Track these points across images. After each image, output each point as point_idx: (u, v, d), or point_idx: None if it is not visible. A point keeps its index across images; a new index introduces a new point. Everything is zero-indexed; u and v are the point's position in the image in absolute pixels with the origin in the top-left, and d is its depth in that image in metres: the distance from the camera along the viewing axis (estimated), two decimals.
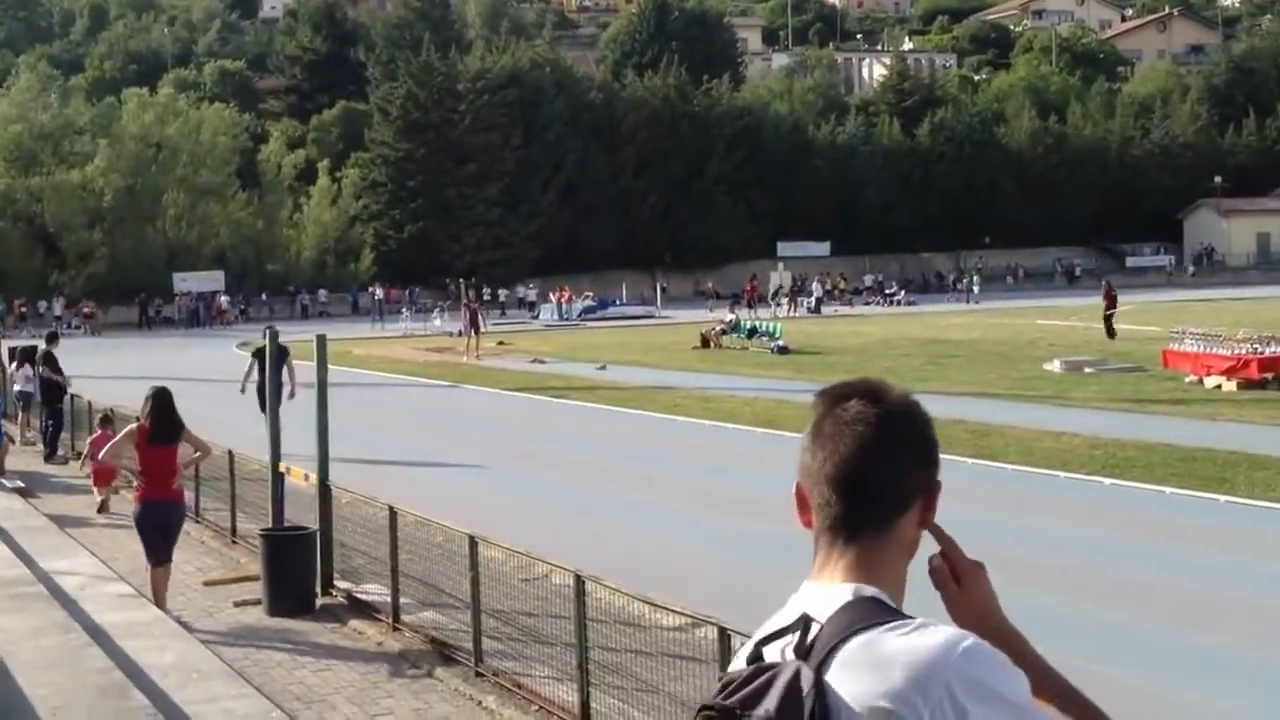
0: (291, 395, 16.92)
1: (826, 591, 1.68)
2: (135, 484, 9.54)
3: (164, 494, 9.17)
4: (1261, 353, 21.84)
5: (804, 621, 1.66)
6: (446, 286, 59.30)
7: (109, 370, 27.31)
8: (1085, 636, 8.23)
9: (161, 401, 9.39)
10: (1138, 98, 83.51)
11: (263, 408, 16.36)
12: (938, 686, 1.56)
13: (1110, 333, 33.20)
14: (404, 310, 53.93)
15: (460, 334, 44.27)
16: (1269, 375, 21.36)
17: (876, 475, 1.68)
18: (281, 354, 18.56)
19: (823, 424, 1.72)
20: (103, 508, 13.57)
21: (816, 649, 1.62)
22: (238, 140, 66.69)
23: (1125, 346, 29.93)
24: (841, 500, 1.69)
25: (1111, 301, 33.83)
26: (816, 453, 1.72)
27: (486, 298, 57.66)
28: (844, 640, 1.61)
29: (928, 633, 1.60)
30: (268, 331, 10.58)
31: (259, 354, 18.13)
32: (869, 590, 1.66)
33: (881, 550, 1.70)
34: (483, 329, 36.83)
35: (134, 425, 9.59)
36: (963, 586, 1.76)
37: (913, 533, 1.73)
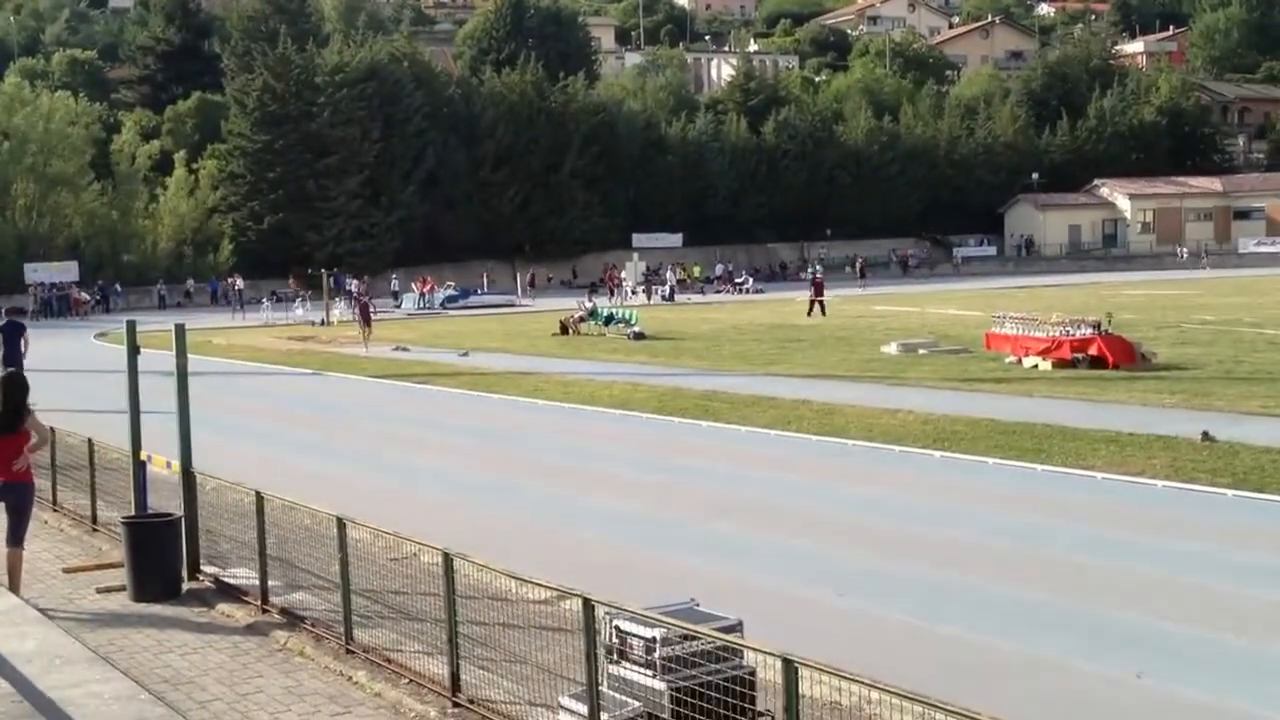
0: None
1: None
2: None
3: (7, 476, 9.05)
4: (1073, 335, 23.08)
5: None
6: (309, 276, 59.42)
7: None
8: (917, 593, 8.97)
9: (9, 387, 9.24)
10: (963, 100, 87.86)
11: None
12: None
13: (811, 313, 38.84)
14: (265, 301, 53.65)
15: (323, 324, 45.37)
16: (1079, 355, 22.58)
17: None
18: (17, 329, 20.28)
19: None
20: None
21: None
22: (90, 130, 65.25)
23: (953, 330, 31.47)
24: None
25: (818, 289, 40.17)
26: None
27: (350, 288, 57.97)
28: None
29: None
30: (128, 324, 10.43)
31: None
32: None
33: None
34: (373, 320, 36.43)
35: None
36: None
37: None
